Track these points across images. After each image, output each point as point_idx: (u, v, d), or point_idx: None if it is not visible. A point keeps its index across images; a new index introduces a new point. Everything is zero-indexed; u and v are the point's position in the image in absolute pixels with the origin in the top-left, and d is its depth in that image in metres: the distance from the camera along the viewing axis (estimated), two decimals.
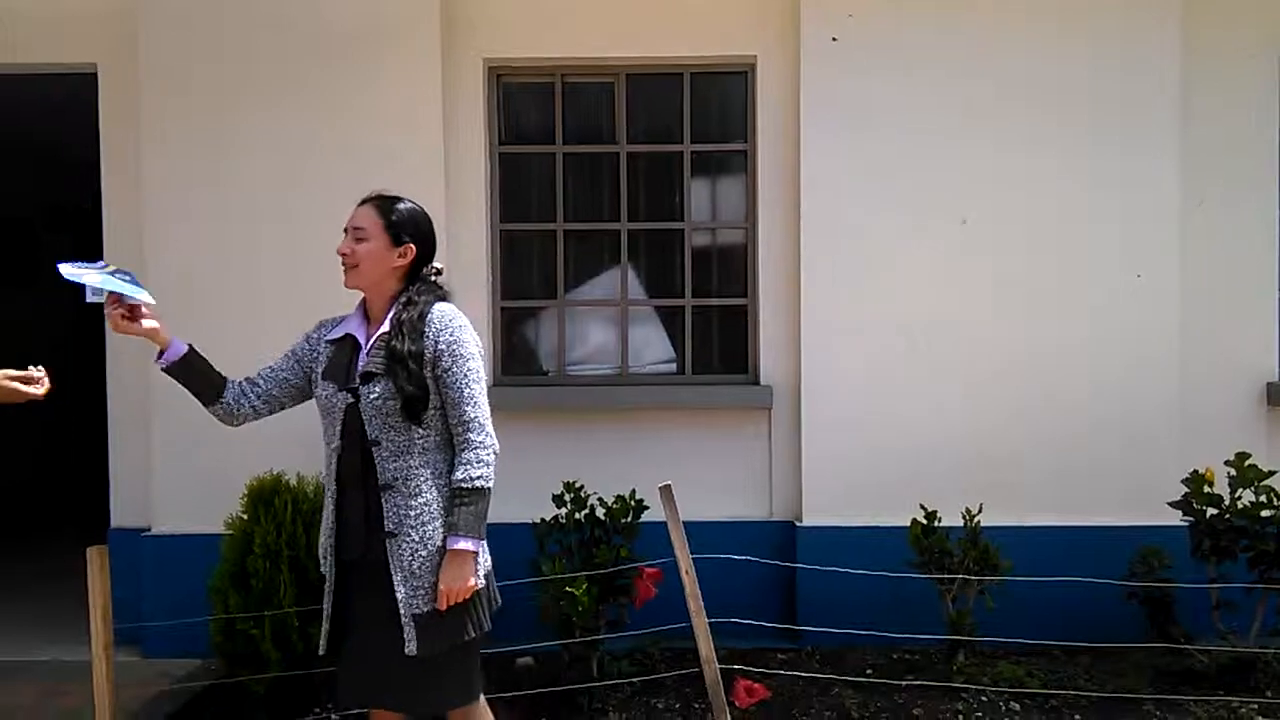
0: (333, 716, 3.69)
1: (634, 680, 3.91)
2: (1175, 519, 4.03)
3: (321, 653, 2.59)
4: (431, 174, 4.36)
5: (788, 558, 4.41)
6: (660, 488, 3.51)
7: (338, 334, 2.64)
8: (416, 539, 2.47)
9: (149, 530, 4.44)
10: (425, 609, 2.46)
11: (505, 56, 4.64)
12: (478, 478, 2.47)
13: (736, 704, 3.69)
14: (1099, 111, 4.45)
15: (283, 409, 2.72)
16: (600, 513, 4.00)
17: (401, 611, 2.45)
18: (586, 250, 4.82)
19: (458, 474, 2.49)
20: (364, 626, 2.54)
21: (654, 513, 3.75)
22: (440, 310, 2.56)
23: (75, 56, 4.63)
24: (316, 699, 3.79)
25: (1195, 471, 3.96)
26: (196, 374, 2.60)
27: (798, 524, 4.53)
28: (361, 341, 2.59)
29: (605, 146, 4.75)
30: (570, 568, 3.79)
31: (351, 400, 2.51)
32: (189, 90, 4.41)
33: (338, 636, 2.59)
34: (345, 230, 2.63)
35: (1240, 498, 3.89)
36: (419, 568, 2.47)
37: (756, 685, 3.79)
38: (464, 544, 2.45)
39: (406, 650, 2.45)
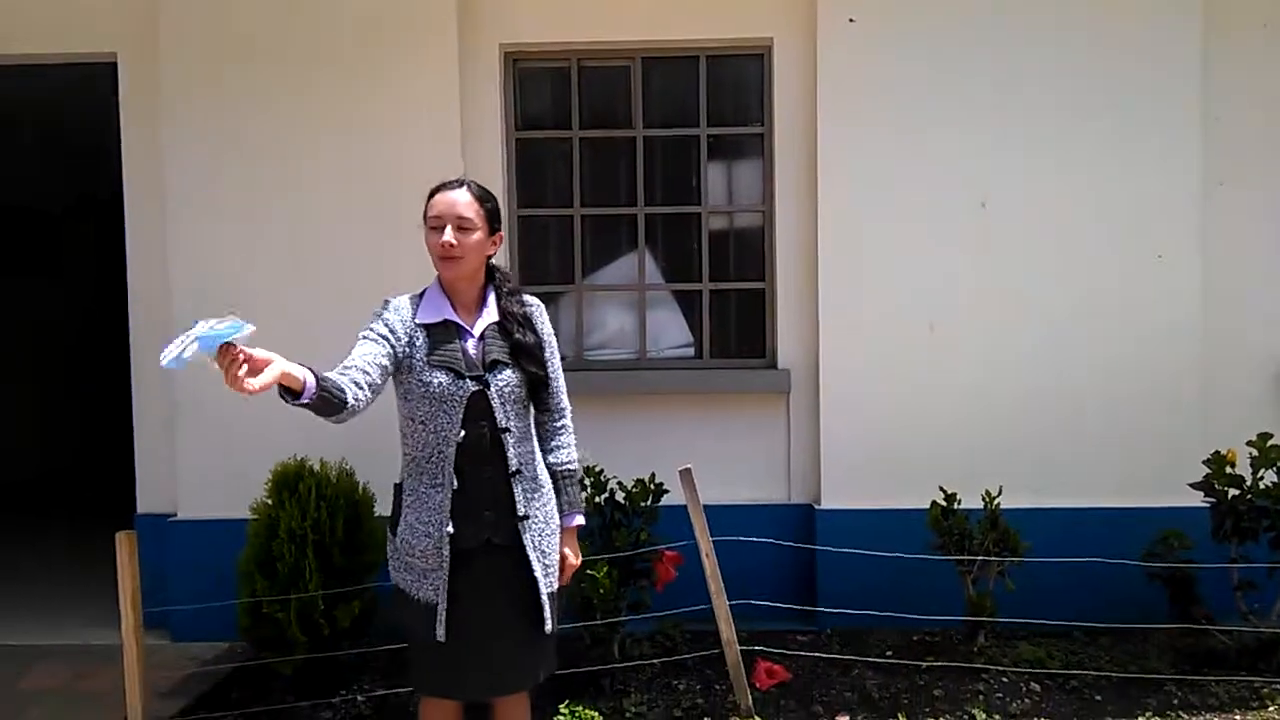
0: (359, 698, 3.74)
1: (655, 662, 3.94)
2: (1197, 500, 4.01)
3: (441, 638, 2.45)
4: (449, 160, 4.36)
5: (807, 541, 4.43)
6: (680, 471, 3.53)
7: (433, 319, 2.52)
8: (542, 520, 2.58)
9: (175, 516, 4.50)
10: (554, 587, 2.59)
11: (521, 42, 4.63)
12: (578, 459, 2.74)
13: (757, 685, 3.72)
14: (1120, 90, 4.40)
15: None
16: (620, 496, 4.02)
17: (541, 591, 2.53)
18: (604, 235, 4.82)
19: (563, 455, 2.70)
20: (489, 615, 2.49)
21: (673, 496, 3.78)
22: (533, 301, 2.67)
23: (95, 46, 4.65)
24: (343, 681, 3.85)
25: (1217, 452, 3.94)
26: (325, 400, 2.22)
27: (816, 507, 4.54)
28: (465, 328, 2.55)
29: (622, 131, 4.75)
30: (591, 551, 3.81)
31: (478, 388, 2.47)
32: (208, 79, 4.43)
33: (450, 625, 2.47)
34: (434, 220, 2.51)
35: (1262, 478, 3.86)
36: (547, 547, 2.58)
37: (777, 667, 3.82)
38: (582, 519, 2.73)
39: (546, 628, 2.55)
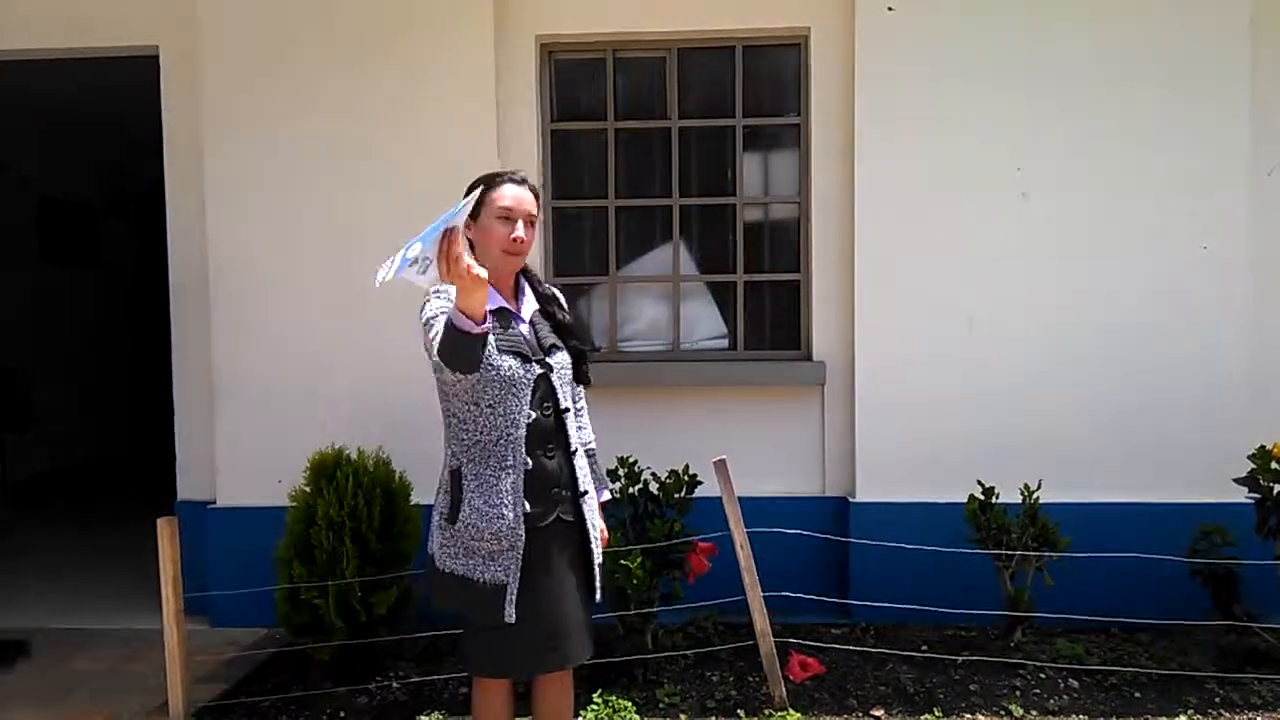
0: (394, 684, 3.78)
1: (688, 653, 3.94)
2: (1240, 496, 3.94)
3: (511, 619, 2.46)
4: (485, 152, 4.37)
5: (841, 533, 4.40)
6: (714, 462, 3.53)
7: (491, 305, 2.43)
8: (593, 495, 2.67)
9: (214, 503, 4.57)
10: (600, 558, 2.67)
11: (557, 33, 4.64)
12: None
13: (791, 678, 3.71)
14: (1165, 75, 4.32)
15: None
16: (654, 487, 4.02)
17: (596, 562, 2.64)
18: (638, 226, 4.82)
19: (586, 434, 2.77)
20: (555, 589, 2.54)
21: (707, 488, 3.78)
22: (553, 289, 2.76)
23: (137, 39, 4.72)
24: (379, 667, 3.89)
25: (1262, 447, 3.87)
26: (482, 338, 2.25)
27: (851, 500, 4.51)
28: (518, 314, 2.58)
29: (657, 122, 4.74)
30: (624, 541, 3.82)
31: (542, 371, 2.53)
32: (247, 71, 4.48)
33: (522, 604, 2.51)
34: (504, 211, 2.49)
35: None
36: (596, 521, 2.66)
37: (811, 659, 3.81)
38: (609, 494, 2.84)
39: (597, 598, 2.67)
